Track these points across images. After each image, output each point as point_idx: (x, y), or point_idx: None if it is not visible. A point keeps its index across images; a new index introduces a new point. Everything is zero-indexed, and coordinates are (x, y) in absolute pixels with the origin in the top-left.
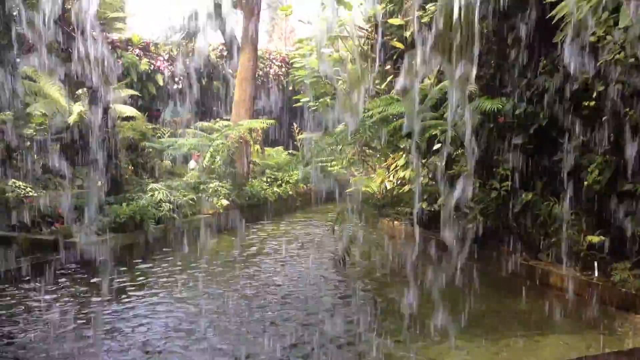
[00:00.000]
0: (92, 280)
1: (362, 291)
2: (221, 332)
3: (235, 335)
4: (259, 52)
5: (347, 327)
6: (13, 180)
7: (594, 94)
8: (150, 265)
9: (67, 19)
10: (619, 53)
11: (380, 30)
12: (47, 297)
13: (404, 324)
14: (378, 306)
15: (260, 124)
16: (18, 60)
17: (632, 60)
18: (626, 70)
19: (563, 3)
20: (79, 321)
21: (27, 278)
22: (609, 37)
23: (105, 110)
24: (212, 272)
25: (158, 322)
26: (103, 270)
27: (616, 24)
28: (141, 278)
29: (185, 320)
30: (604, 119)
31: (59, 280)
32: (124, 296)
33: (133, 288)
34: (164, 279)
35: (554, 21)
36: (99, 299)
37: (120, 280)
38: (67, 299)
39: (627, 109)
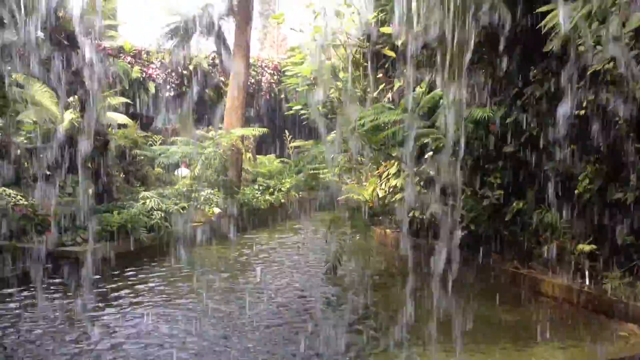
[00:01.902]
0: (81, 289)
1: (355, 300)
2: None
3: None
4: (251, 60)
5: (344, 341)
6: (3, 188)
7: (584, 103)
8: (140, 274)
9: (59, 27)
10: (608, 62)
11: (372, 38)
12: (33, 305)
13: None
14: (373, 314)
15: (252, 131)
16: (9, 68)
17: (622, 69)
18: (615, 80)
19: (553, 13)
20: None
21: (15, 287)
22: (598, 47)
23: (97, 118)
24: (204, 282)
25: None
26: (92, 280)
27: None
28: (130, 287)
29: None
30: (593, 127)
31: (47, 289)
32: (113, 305)
33: (122, 297)
34: (154, 289)
35: (544, 31)
36: (84, 306)
37: (109, 289)
38: (52, 307)
39: (617, 118)
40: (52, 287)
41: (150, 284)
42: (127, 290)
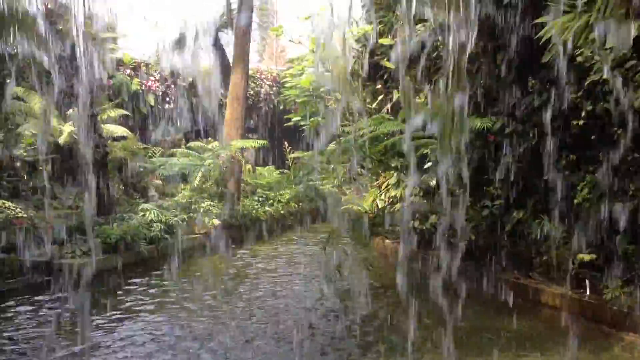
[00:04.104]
0: (82, 302)
1: (356, 311)
2: None
3: None
4: (250, 72)
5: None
6: (2, 200)
7: (583, 113)
8: (140, 287)
9: (58, 39)
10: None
11: (370, 49)
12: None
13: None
14: (373, 319)
15: (252, 143)
16: (8, 81)
17: (620, 79)
18: (613, 90)
19: (551, 23)
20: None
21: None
22: (596, 57)
23: (96, 130)
24: (205, 294)
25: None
26: (92, 293)
27: (603, 44)
28: (130, 301)
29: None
30: (592, 137)
31: (46, 302)
32: (112, 320)
33: (121, 312)
34: (154, 303)
35: (542, 41)
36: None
37: (108, 302)
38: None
39: (615, 128)
40: (51, 299)
41: (150, 299)
42: (126, 302)
